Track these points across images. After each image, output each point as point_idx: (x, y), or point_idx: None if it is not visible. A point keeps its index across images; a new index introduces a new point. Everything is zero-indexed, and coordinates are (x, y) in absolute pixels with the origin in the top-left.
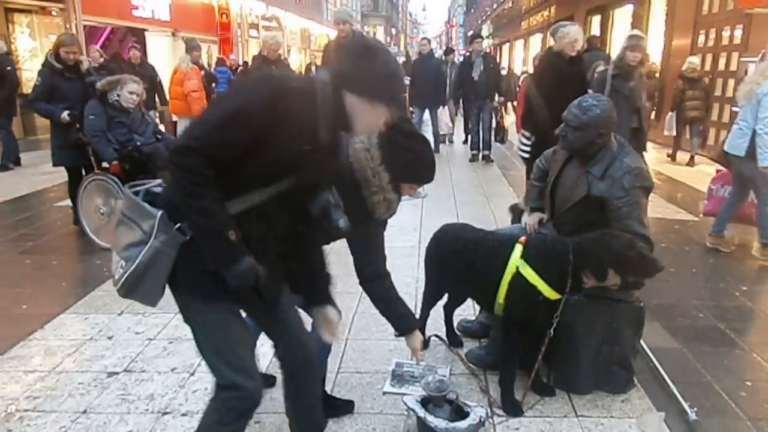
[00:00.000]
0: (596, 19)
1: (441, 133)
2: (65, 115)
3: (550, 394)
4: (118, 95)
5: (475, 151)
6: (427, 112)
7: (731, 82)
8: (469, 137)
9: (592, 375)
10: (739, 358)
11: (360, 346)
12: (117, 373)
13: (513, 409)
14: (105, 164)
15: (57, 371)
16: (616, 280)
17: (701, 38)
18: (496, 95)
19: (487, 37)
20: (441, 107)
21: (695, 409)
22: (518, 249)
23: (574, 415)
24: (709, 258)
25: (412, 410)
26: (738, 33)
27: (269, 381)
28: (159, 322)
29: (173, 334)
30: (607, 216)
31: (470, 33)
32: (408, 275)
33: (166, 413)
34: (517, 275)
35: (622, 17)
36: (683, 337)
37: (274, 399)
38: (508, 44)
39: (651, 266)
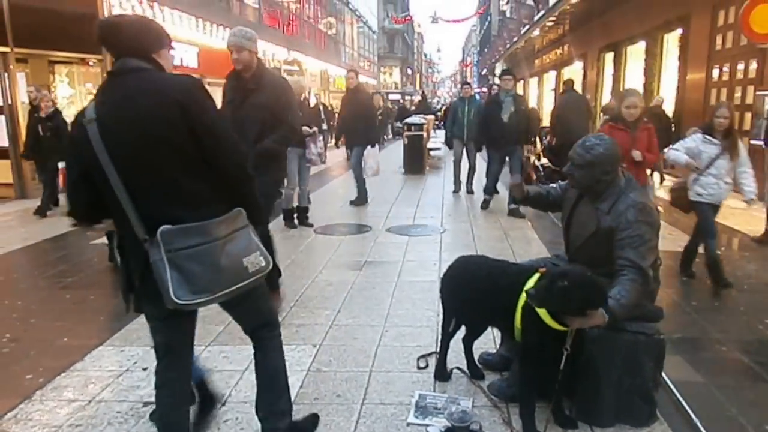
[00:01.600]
0: (609, 56)
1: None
2: None
3: (573, 427)
4: None
5: (488, 197)
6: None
7: (748, 116)
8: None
9: (614, 408)
10: (764, 391)
11: (383, 378)
12: (152, 403)
13: None
14: None
15: (96, 401)
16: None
17: (715, 72)
18: (525, 144)
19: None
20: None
21: None
22: (535, 277)
23: None
24: (731, 291)
25: None
26: (753, 67)
27: None
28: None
29: (205, 364)
30: (614, 247)
31: (483, 71)
32: (429, 308)
33: None
34: (528, 303)
35: (634, 54)
36: (706, 371)
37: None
38: (522, 81)
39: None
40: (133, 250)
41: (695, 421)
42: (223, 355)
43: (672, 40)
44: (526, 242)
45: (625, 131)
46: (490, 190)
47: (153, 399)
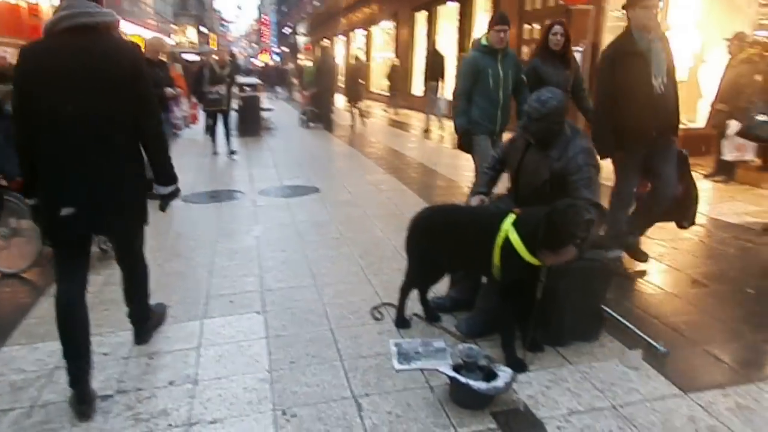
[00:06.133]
0: (421, 16)
1: None
2: None
3: (541, 350)
4: None
5: None
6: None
7: None
8: None
9: (572, 328)
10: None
11: (348, 333)
12: (110, 396)
13: (520, 366)
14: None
15: (40, 405)
16: (571, 254)
17: (527, 30)
18: None
19: (304, 34)
20: None
21: (662, 342)
22: (511, 216)
23: (569, 363)
24: None
25: (454, 377)
26: None
27: None
28: (120, 340)
29: (147, 350)
30: (568, 190)
31: (286, 30)
32: (349, 263)
33: (193, 424)
34: (506, 240)
35: (447, 14)
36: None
37: (303, 390)
38: (327, 41)
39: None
40: None
41: (635, 330)
42: (165, 335)
43: (483, 2)
44: (400, 193)
45: None
46: None
47: (109, 391)
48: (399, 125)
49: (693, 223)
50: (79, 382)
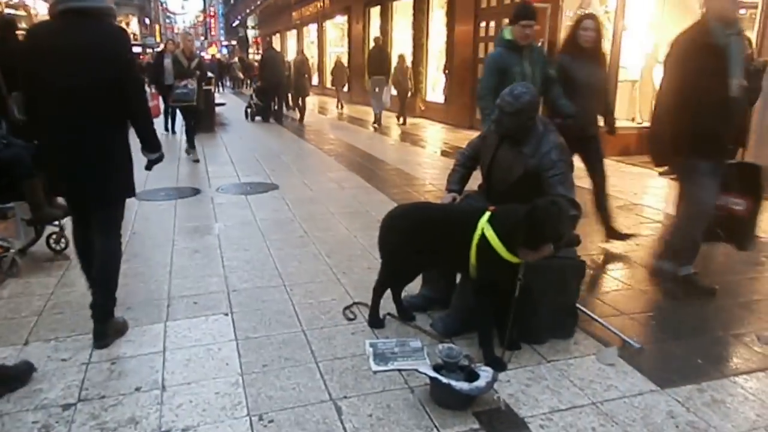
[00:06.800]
0: (375, 11)
1: None
2: None
3: (518, 348)
4: None
5: None
6: None
7: None
8: None
9: (548, 325)
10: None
11: (320, 335)
12: (73, 405)
13: (499, 365)
14: None
15: None
16: (548, 250)
17: (483, 28)
18: None
19: (253, 27)
20: None
21: (635, 338)
22: (486, 214)
23: (546, 361)
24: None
25: (435, 378)
26: None
27: None
28: (79, 345)
29: (109, 354)
30: (542, 186)
31: (234, 23)
32: (317, 262)
33: None
34: (483, 238)
35: (402, 9)
36: None
37: (279, 395)
38: (278, 35)
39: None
40: None
41: (608, 326)
42: (127, 339)
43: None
44: (364, 190)
45: None
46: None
47: (71, 400)
48: (353, 120)
49: (755, 246)
50: (100, 319)
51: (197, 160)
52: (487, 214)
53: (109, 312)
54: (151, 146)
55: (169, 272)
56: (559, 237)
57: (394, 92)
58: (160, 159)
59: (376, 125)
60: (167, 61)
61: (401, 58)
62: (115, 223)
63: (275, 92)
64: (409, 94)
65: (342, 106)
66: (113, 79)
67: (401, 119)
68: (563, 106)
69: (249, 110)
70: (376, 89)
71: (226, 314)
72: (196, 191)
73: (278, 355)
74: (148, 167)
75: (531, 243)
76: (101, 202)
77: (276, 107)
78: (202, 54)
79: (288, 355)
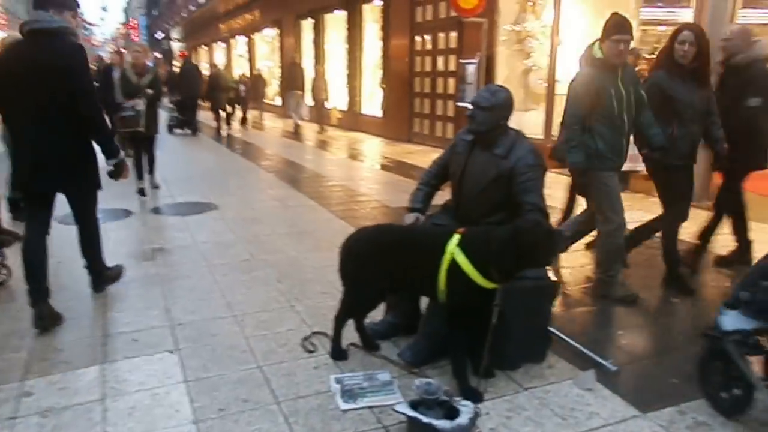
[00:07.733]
0: (308, 24)
1: None
2: None
3: (492, 375)
4: None
5: None
6: None
7: (451, 81)
8: None
9: (520, 349)
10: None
11: (279, 370)
12: None
13: (474, 396)
14: None
15: None
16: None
17: (418, 42)
18: None
19: (179, 39)
20: None
21: (610, 360)
22: (456, 237)
23: (523, 389)
24: None
25: (414, 417)
26: (453, 35)
27: None
28: (3, 396)
29: (38, 405)
30: (513, 191)
31: (158, 35)
32: (268, 288)
33: None
34: (453, 263)
35: (334, 22)
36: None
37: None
38: (205, 47)
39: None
40: None
41: (581, 349)
42: (59, 386)
43: (371, 11)
44: (309, 209)
45: None
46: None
47: None
48: (288, 134)
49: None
50: (37, 303)
51: (156, 186)
52: (456, 237)
53: (100, 270)
54: (109, 152)
55: (103, 305)
56: (552, 258)
57: (311, 103)
58: (121, 165)
59: (295, 131)
60: (115, 75)
61: (318, 71)
62: (92, 211)
63: (193, 104)
64: (325, 104)
65: (260, 115)
66: (66, 91)
67: (321, 128)
68: (654, 136)
69: (171, 123)
70: (290, 101)
71: (172, 352)
72: (128, 213)
73: (235, 397)
74: (112, 175)
75: (520, 267)
76: (74, 188)
77: (191, 118)
78: (100, 53)
79: (246, 395)
